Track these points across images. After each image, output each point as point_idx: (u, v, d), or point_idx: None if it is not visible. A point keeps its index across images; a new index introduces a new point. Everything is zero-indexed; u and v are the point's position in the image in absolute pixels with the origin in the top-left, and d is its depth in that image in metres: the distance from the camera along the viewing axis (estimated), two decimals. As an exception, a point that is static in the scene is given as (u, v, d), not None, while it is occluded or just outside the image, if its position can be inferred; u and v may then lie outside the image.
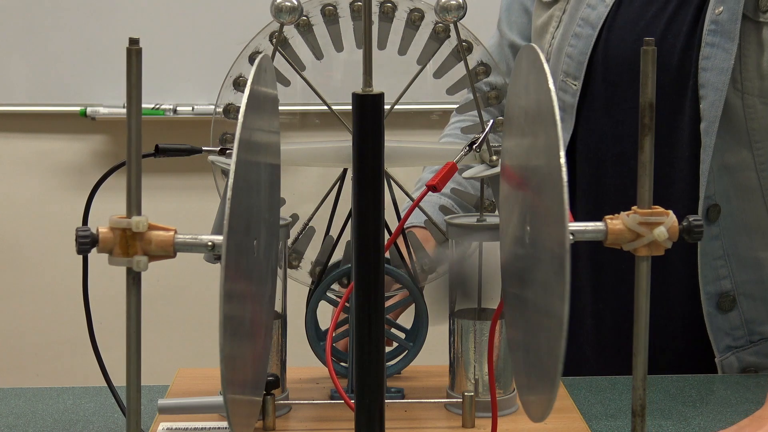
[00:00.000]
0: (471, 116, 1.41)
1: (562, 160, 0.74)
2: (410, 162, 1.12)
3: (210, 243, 0.76)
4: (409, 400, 1.10)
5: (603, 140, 1.36)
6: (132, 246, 0.75)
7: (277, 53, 1.07)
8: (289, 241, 1.13)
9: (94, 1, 2.70)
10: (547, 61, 1.40)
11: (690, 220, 0.79)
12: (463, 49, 1.07)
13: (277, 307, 1.09)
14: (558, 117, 0.75)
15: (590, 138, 1.37)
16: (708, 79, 1.27)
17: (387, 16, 1.09)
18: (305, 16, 1.08)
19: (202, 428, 1.04)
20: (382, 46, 1.11)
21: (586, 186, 1.38)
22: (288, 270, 1.13)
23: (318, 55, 1.11)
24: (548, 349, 0.77)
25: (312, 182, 1.20)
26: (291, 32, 1.09)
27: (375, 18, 1.09)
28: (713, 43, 1.26)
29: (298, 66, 1.09)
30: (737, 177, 1.30)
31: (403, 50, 1.12)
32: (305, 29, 1.09)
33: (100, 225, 0.76)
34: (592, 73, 1.36)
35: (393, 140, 1.03)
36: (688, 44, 1.29)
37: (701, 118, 1.27)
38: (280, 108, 0.94)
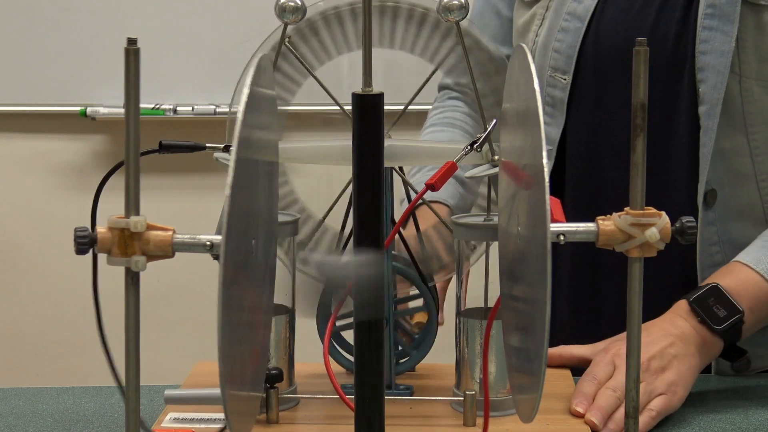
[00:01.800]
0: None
1: (545, 161, 0.74)
2: (410, 162, 1.12)
3: (208, 243, 0.76)
4: (415, 398, 1.11)
5: (596, 133, 1.36)
6: (130, 246, 0.75)
7: (288, 53, 1.07)
8: (303, 241, 1.13)
9: (94, 1, 2.70)
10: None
11: (683, 221, 0.80)
12: (466, 49, 1.07)
13: (286, 302, 1.10)
14: (541, 118, 0.75)
15: (581, 131, 1.37)
16: (708, 63, 1.27)
17: (391, 15, 1.10)
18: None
19: (208, 419, 1.05)
20: (385, 45, 1.11)
21: (577, 180, 1.38)
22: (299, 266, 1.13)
23: (323, 57, 1.11)
24: (534, 348, 0.77)
25: (324, 181, 1.21)
26: (295, 39, 1.10)
27: (380, 17, 1.09)
28: (711, 26, 1.27)
29: (308, 66, 1.09)
30: (732, 163, 1.31)
31: (409, 49, 1.12)
32: (310, 31, 1.10)
33: (99, 225, 0.76)
34: (581, 67, 1.36)
35: (393, 140, 1.04)
36: (683, 29, 1.30)
37: (700, 102, 1.28)
38: (289, 108, 0.94)
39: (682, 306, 1.20)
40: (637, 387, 0.80)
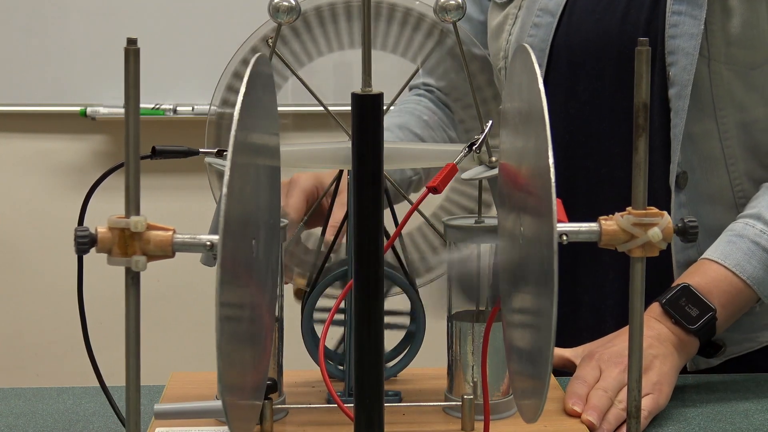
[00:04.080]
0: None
1: (551, 161, 0.74)
2: (409, 162, 1.12)
3: (208, 243, 0.76)
4: (408, 404, 1.10)
5: (570, 123, 1.37)
6: (130, 246, 0.75)
7: (273, 53, 1.06)
8: (285, 244, 1.12)
9: (94, 1, 2.70)
10: (505, 58, 1.42)
11: (685, 221, 0.80)
12: (463, 49, 1.07)
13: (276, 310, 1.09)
14: (547, 118, 0.75)
15: (555, 123, 1.37)
16: (678, 45, 1.29)
17: (385, 15, 1.09)
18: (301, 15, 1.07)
19: None
20: (378, 46, 1.11)
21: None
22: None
23: (313, 55, 1.11)
24: (539, 350, 0.77)
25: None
26: (286, 32, 1.09)
27: (372, 18, 1.09)
28: (680, 11, 1.29)
29: (294, 67, 1.09)
30: (701, 147, 1.32)
31: (400, 51, 1.12)
32: (302, 29, 1.09)
33: (99, 225, 0.76)
34: (554, 60, 1.38)
35: (392, 141, 1.03)
36: (653, 15, 1.32)
37: (670, 85, 1.30)
38: (282, 108, 0.93)
39: (654, 309, 1.22)
40: (639, 386, 0.80)
